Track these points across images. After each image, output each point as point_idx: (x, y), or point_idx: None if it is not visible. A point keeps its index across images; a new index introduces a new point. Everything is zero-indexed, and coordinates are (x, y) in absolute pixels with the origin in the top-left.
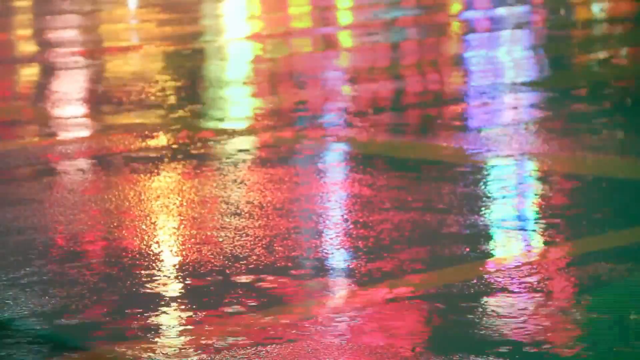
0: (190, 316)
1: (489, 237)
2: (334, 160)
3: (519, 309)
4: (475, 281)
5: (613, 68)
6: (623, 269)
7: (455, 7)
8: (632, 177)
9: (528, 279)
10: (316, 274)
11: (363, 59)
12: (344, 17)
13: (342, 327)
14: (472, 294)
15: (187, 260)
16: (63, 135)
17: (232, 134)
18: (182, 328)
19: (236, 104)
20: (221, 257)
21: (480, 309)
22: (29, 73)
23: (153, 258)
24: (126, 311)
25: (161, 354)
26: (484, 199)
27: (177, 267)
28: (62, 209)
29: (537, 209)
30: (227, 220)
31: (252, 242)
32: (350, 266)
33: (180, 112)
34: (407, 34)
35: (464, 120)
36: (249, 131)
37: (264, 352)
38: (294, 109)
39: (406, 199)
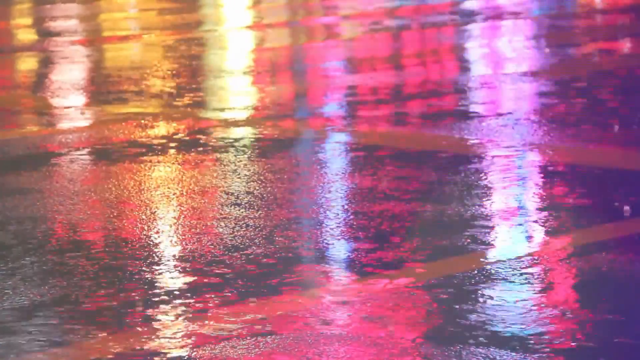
0: (190, 306)
1: (490, 228)
2: (335, 150)
3: (519, 300)
4: (476, 272)
5: (615, 58)
6: (624, 260)
7: None
8: (633, 168)
9: (529, 270)
10: (316, 264)
11: (364, 48)
12: (345, 6)
13: (343, 317)
14: (473, 284)
15: (186, 251)
16: (63, 125)
17: (233, 123)
18: (181, 318)
19: (236, 93)
20: (221, 247)
21: (481, 300)
22: (29, 62)
23: (153, 248)
24: (125, 301)
25: (160, 344)
26: (485, 189)
27: (176, 257)
28: (61, 198)
29: (538, 199)
30: (227, 210)
31: (252, 233)
32: (351, 257)
33: (180, 102)
34: (408, 24)
35: (465, 110)
36: (249, 121)
37: (263, 342)
38: (294, 99)
39: (407, 189)
